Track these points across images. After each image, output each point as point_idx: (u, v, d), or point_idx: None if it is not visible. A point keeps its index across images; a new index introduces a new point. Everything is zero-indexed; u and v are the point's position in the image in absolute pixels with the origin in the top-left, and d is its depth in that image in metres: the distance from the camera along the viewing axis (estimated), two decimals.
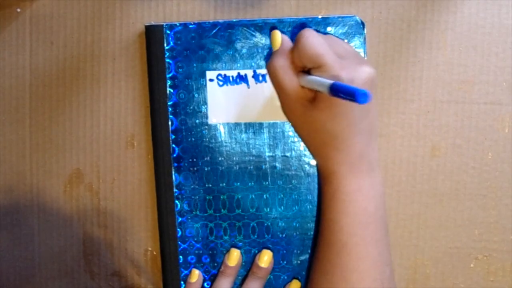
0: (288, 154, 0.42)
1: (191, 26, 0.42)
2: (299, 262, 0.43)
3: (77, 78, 0.45)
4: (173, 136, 0.43)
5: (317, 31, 0.40)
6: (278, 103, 0.40)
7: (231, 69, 0.42)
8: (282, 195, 0.43)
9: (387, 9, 0.42)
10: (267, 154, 0.43)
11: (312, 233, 0.43)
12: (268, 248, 0.43)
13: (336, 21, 0.41)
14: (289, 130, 0.42)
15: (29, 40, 0.45)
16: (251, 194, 0.43)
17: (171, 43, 0.42)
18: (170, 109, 0.43)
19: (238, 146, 0.43)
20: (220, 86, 0.42)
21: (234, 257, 0.43)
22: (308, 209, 0.43)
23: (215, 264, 0.44)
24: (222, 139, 0.43)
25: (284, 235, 0.43)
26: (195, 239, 0.43)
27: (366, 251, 0.36)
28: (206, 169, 0.43)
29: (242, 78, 0.42)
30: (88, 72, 0.45)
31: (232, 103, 0.42)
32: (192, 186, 0.43)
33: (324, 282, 0.37)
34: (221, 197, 0.43)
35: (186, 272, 0.44)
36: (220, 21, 0.42)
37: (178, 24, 0.42)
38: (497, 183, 0.43)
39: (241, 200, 0.43)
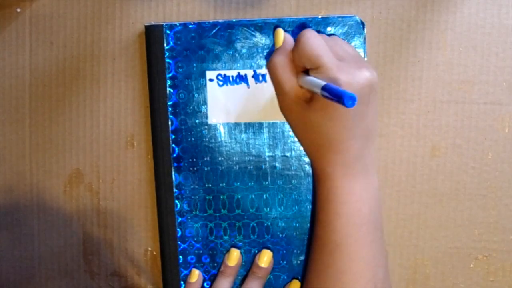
0: (288, 154, 0.42)
1: (191, 26, 0.42)
2: (298, 262, 0.43)
3: (77, 78, 0.45)
4: (173, 136, 0.43)
5: (318, 31, 0.40)
6: (277, 103, 0.40)
7: (231, 69, 0.42)
8: (282, 195, 0.43)
9: (387, 9, 0.42)
10: (267, 154, 0.43)
11: None
12: (268, 248, 0.43)
13: (336, 21, 0.41)
14: (289, 130, 0.42)
15: (29, 40, 0.45)
16: (251, 194, 0.43)
17: (171, 43, 0.42)
18: (170, 109, 0.43)
19: (238, 146, 0.43)
20: (220, 86, 0.42)
21: (234, 257, 0.43)
22: (308, 209, 0.43)
23: (215, 264, 0.44)
24: (222, 139, 0.43)
25: (284, 235, 0.43)
26: (195, 239, 0.43)
27: (359, 252, 0.36)
28: (206, 169, 0.43)
29: (242, 78, 0.42)
30: (88, 72, 0.45)
31: (232, 103, 0.42)
32: (192, 186, 0.43)
33: (318, 283, 0.38)
34: (221, 197, 0.43)
35: (186, 272, 0.44)
36: (220, 21, 0.42)
37: (178, 24, 0.42)
38: (497, 183, 0.43)
39: (241, 200, 0.43)
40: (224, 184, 0.43)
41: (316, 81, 0.33)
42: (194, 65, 0.42)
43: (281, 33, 0.39)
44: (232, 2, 0.44)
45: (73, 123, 0.45)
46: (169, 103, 0.43)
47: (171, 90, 0.43)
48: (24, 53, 0.46)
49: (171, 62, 0.43)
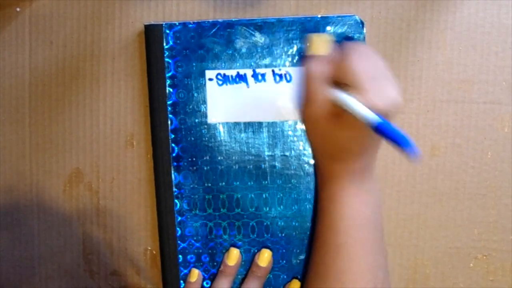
0: (287, 153, 0.42)
1: (190, 25, 0.42)
2: (298, 261, 0.43)
3: (77, 77, 0.45)
4: (173, 136, 0.43)
5: (315, 31, 0.41)
6: (277, 103, 0.40)
7: (230, 68, 0.42)
8: (281, 194, 0.43)
9: (386, 8, 0.42)
10: (266, 153, 0.43)
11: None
12: (267, 247, 0.43)
13: (335, 21, 0.41)
14: (289, 130, 0.42)
15: (29, 39, 0.45)
16: (251, 193, 0.43)
17: (171, 43, 0.42)
18: (169, 108, 0.43)
19: (238, 146, 0.43)
20: (220, 85, 0.42)
21: (234, 256, 0.43)
22: (307, 208, 0.42)
23: (215, 263, 0.44)
24: (222, 138, 0.43)
25: (283, 234, 0.43)
26: (195, 238, 0.43)
27: (359, 253, 0.37)
28: (205, 168, 0.43)
29: (241, 78, 0.42)
30: (88, 72, 0.45)
31: (232, 102, 0.42)
32: (191, 185, 0.43)
33: (318, 283, 0.38)
34: (221, 196, 0.43)
35: (185, 271, 0.44)
36: (220, 20, 0.42)
37: (177, 24, 0.42)
38: (496, 182, 0.43)
39: (240, 199, 0.43)
40: (223, 183, 0.43)
41: (363, 113, 0.32)
42: (194, 64, 0.42)
43: (327, 41, 0.38)
44: (231, 2, 0.44)
45: (73, 122, 0.45)
46: (168, 103, 0.43)
47: (171, 90, 0.43)
48: (24, 53, 0.46)
49: (171, 62, 0.43)
